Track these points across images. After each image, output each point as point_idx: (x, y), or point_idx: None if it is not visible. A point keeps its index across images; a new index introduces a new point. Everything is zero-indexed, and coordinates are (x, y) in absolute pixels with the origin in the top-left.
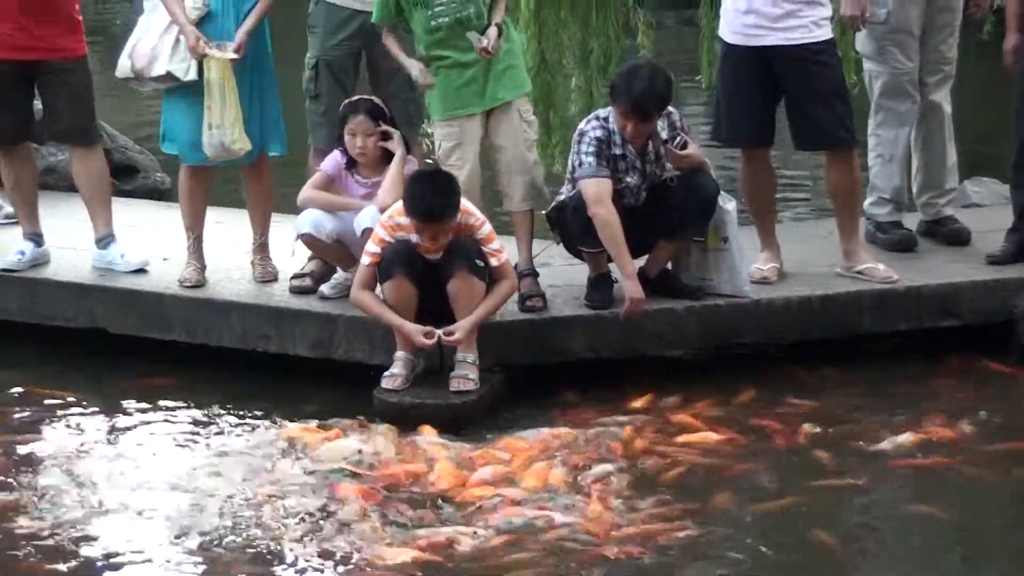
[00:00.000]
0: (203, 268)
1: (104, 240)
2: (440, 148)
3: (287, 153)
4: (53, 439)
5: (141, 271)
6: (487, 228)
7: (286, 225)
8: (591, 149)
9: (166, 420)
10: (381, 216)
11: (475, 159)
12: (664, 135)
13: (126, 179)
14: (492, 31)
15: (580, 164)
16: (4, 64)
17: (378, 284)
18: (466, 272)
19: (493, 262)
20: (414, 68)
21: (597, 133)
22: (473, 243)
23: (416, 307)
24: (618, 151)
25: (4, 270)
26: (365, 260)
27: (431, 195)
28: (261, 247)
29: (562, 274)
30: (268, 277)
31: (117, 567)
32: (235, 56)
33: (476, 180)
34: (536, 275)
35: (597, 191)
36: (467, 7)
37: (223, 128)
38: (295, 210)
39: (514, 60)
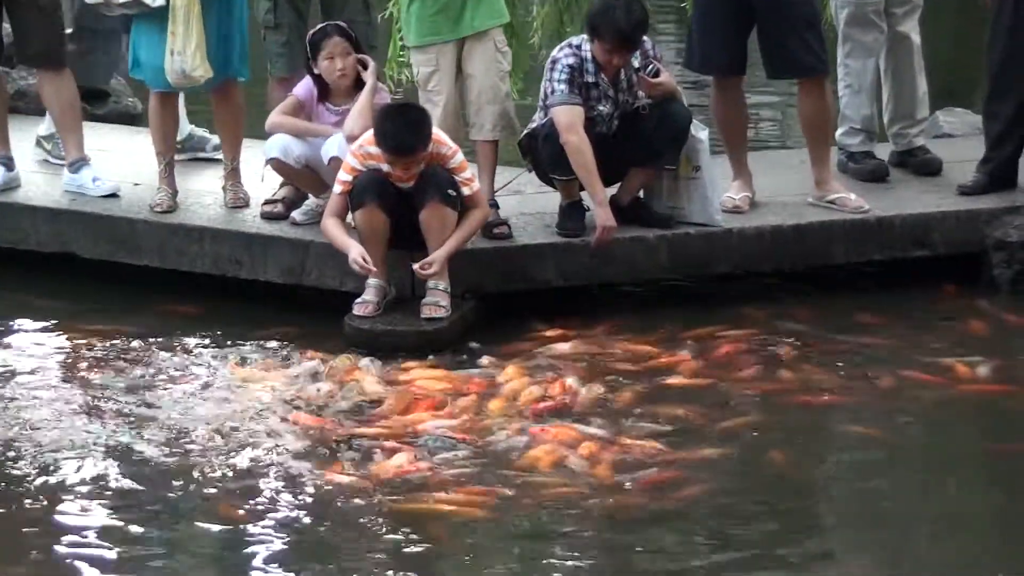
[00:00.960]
0: (175, 193)
1: (76, 164)
2: (418, 74)
3: (248, 79)
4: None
5: (113, 196)
6: (459, 157)
7: (256, 151)
8: (564, 76)
9: (114, 346)
10: (352, 145)
11: (452, 85)
12: (636, 63)
13: (97, 104)
14: None
15: (552, 92)
16: None
17: (349, 213)
18: (438, 202)
19: (465, 191)
20: None
21: (570, 61)
22: (445, 172)
23: (388, 236)
24: (591, 79)
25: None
26: (336, 188)
27: (402, 128)
28: (232, 172)
29: (534, 202)
30: (239, 203)
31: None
32: None
33: (454, 106)
34: (498, 206)
35: (569, 119)
36: None
37: (184, 55)
38: (265, 136)
39: None
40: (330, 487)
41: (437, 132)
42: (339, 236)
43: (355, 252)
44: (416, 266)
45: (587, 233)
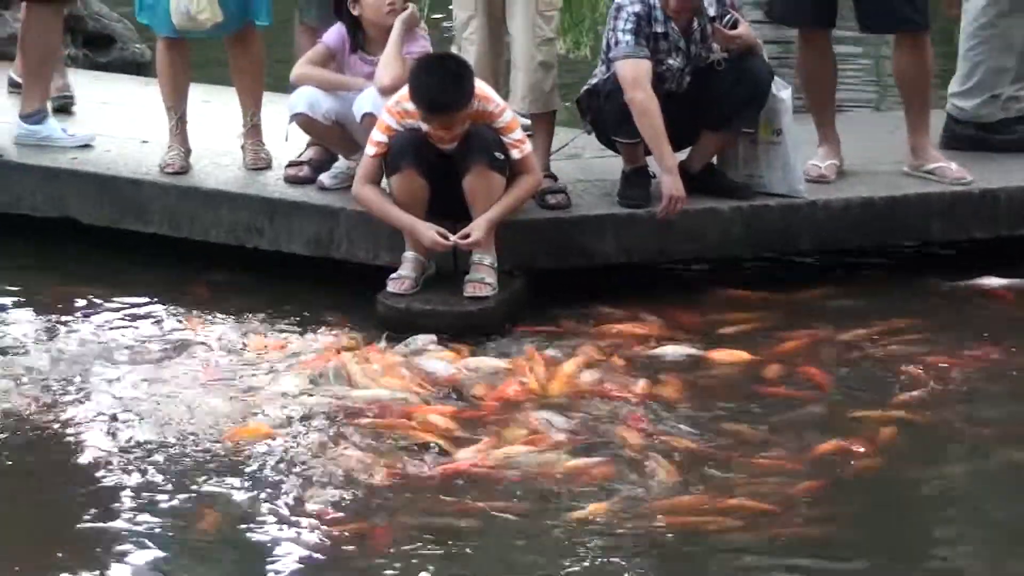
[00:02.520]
0: (187, 152)
1: (39, 114)
2: (456, 18)
3: (270, 24)
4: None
5: (87, 147)
6: (508, 115)
7: (279, 106)
8: (629, 26)
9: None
10: (387, 101)
11: (489, 37)
12: (712, 12)
13: (101, 50)
14: None
15: (616, 43)
16: None
17: (384, 178)
18: (484, 167)
19: (515, 154)
20: None
21: (636, 8)
22: (492, 133)
23: (427, 204)
24: (659, 29)
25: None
26: (370, 151)
27: (439, 82)
28: (253, 129)
29: (593, 167)
30: (260, 163)
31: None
32: None
33: (489, 60)
34: (555, 177)
35: (635, 73)
36: None
37: None
38: (289, 90)
39: None
40: None
41: (483, 87)
42: (385, 206)
43: (423, 229)
44: (455, 237)
45: (652, 203)
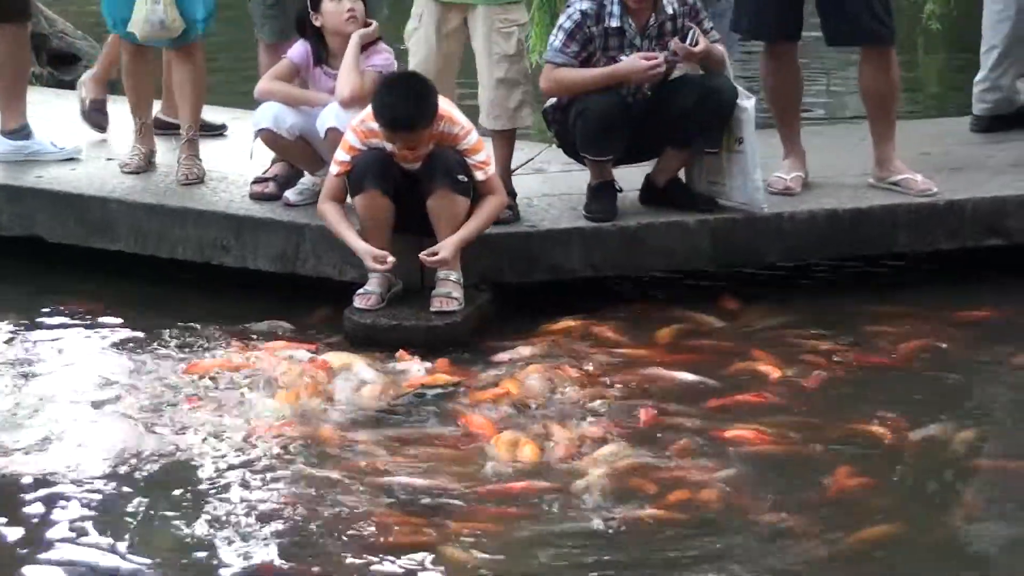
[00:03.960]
0: (150, 154)
1: (23, 130)
2: (407, 28)
3: (206, 32)
4: None
5: (73, 159)
6: (472, 138)
7: (244, 123)
8: (568, 25)
9: (97, 339)
10: (351, 116)
11: (431, 49)
12: (669, 10)
13: (65, 68)
14: None
15: (550, 43)
16: None
17: (349, 197)
18: (447, 189)
19: (479, 175)
20: None
21: (583, 6)
22: (455, 155)
23: (393, 223)
24: (614, 23)
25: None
26: (333, 169)
27: (400, 100)
28: (189, 143)
29: (558, 181)
30: (192, 179)
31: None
32: None
33: (435, 75)
34: (511, 194)
35: (547, 84)
36: None
37: (158, 4)
38: (254, 106)
39: None
40: None
41: (448, 108)
42: (340, 226)
43: (364, 250)
44: (423, 254)
45: (618, 217)
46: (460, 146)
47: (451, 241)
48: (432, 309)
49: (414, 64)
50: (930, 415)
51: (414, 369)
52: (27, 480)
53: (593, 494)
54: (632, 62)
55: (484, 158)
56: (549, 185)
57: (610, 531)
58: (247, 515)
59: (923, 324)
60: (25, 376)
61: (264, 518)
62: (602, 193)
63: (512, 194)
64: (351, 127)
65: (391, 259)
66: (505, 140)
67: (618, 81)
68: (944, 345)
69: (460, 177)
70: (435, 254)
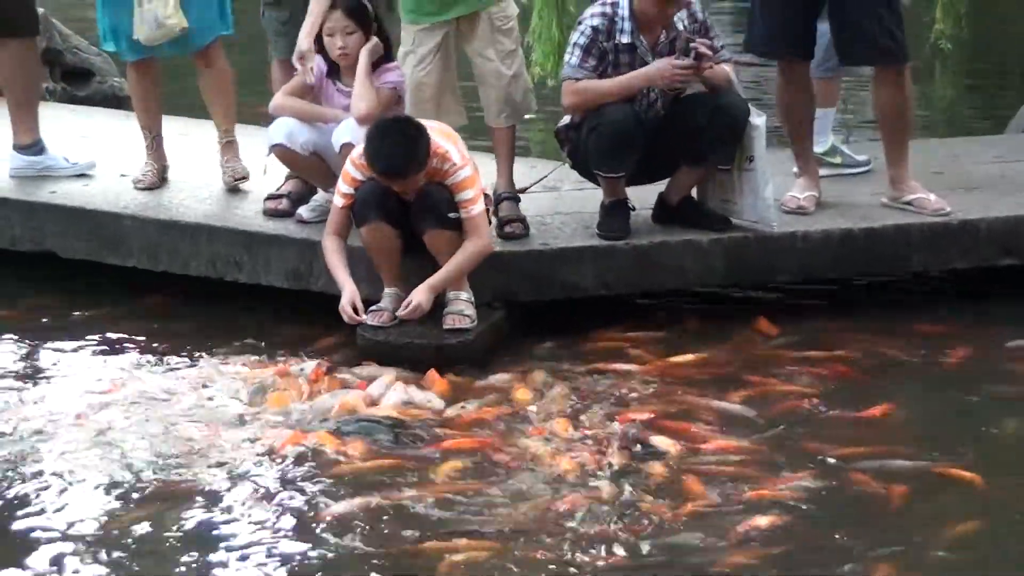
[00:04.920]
0: (163, 169)
1: (36, 145)
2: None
3: (232, 32)
4: None
5: (86, 175)
6: (463, 174)
7: (258, 138)
8: (582, 41)
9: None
10: (353, 152)
11: (426, 69)
12: (681, 25)
13: (79, 84)
14: None
15: (567, 60)
16: None
17: (354, 227)
18: (436, 228)
19: (462, 214)
20: None
21: (595, 22)
22: (444, 193)
23: (401, 248)
24: (625, 39)
25: None
26: (337, 202)
27: (392, 148)
28: (227, 146)
29: (571, 200)
30: (239, 177)
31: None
32: None
33: (432, 93)
34: (517, 199)
35: (570, 100)
36: None
37: (153, 1)
38: (268, 122)
39: None
40: None
41: (439, 143)
42: (335, 267)
43: (345, 297)
44: (401, 311)
45: (631, 236)
46: (448, 181)
47: (424, 287)
48: (445, 327)
49: (413, 86)
50: None
51: (392, 397)
52: (27, 496)
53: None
54: (659, 64)
55: (472, 195)
56: (562, 203)
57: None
58: (253, 536)
59: None
60: (29, 389)
61: (273, 541)
62: (615, 212)
63: (516, 199)
64: (351, 159)
65: (362, 318)
66: (511, 135)
67: (643, 86)
68: None
69: (449, 215)
70: (409, 305)
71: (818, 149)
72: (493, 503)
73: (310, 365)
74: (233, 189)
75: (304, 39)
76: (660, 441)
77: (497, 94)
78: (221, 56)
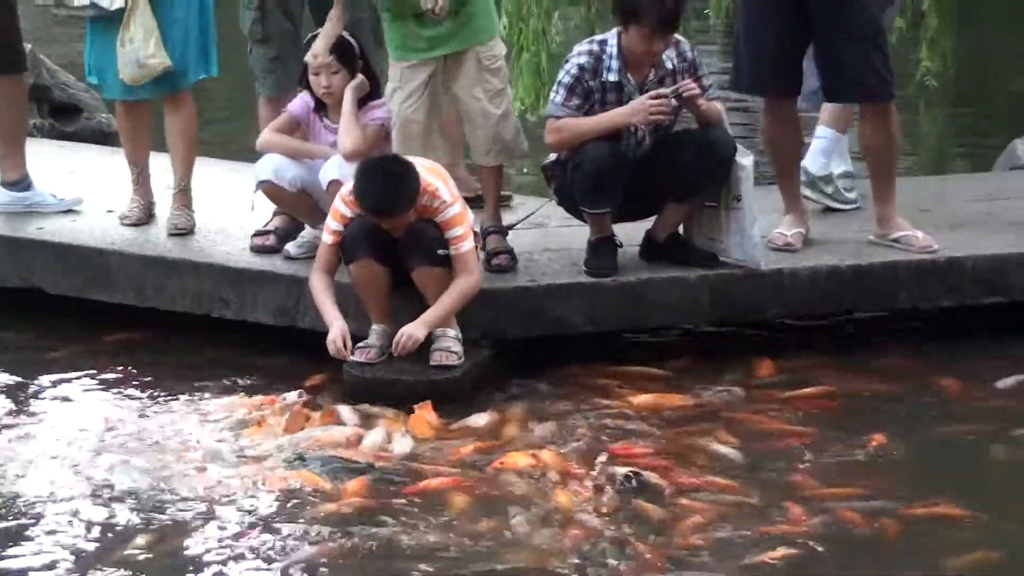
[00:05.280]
0: (149, 205)
1: (24, 182)
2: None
3: (217, 74)
4: None
5: (72, 211)
6: (452, 211)
7: (245, 175)
8: (566, 80)
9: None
10: (342, 188)
11: (413, 106)
12: (670, 64)
13: (67, 120)
14: None
15: (551, 98)
16: None
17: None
18: (425, 265)
19: (452, 251)
20: None
21: (581, 60)
22: (433, 230)
23: (389, 285)
24: (612, 78)
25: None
26: (327, 239)
27: (380, 188)
28: (180, 194)
29: (559, 236)
30: (182, 230)
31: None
32: None
33: (420, 129)
34: (504, 232)
35: (553, 138)
36: None
37: (135, 41)
38: (255, 159)
39: (472, 7)
40: None
41: (429, 180)
42: (323, 303)
43: (334, 331)
44: (396, 350)
45: (619, 272)
46: (438, 218)
47: (418, 323)
48: (432, 363)
49: (400, 122)
50: None
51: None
52: (25, 526)
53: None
54: (636, 102)
55: (461, 232)
56: (549, 240)
57: None
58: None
59: None
60: (15, 426)
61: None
62: (602, 249)
63: (503, 233)
64: (341, 196)
65: (348, 356)
66: (498, 174)
67: (622, 124)
68: None
69: (439, 252)
70: (398, 342)
71: (817, 171)
72: (500, 539)
73: (292, 397)
74: (174, 237)
75: (321, 49)
76: (651, 477)
77: (484, 133)
78: (189, 105)
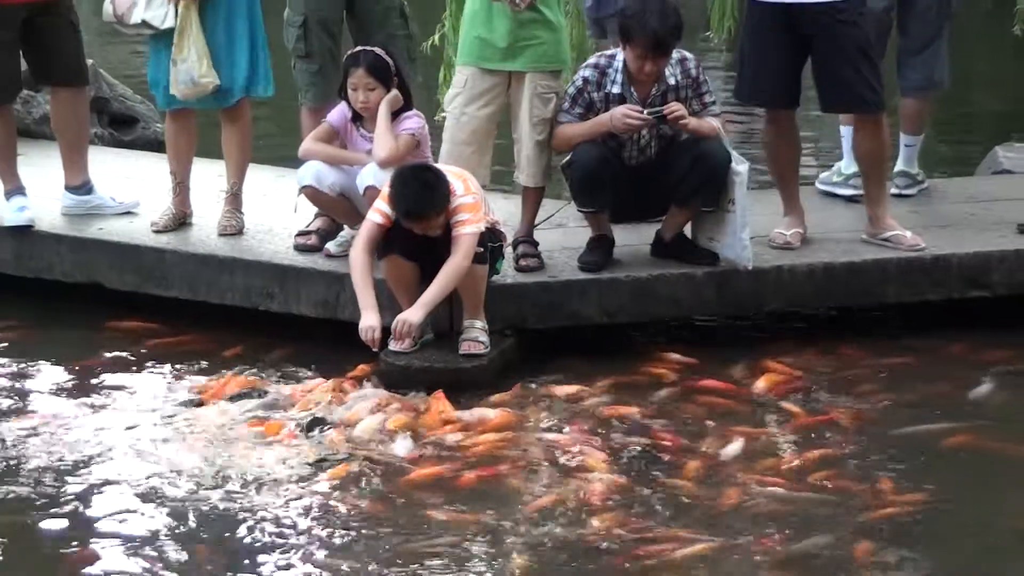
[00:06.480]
0: (182, 215)
1: (86, 185)
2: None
3: (272, 95)
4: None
5: (131, 213)
6: (462, 201)
7: (289, 180)
8: (571, 91)
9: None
10: (387, 174)
11: (472, 113)
12: (672, 80)
13: (125, 129)
14: None
15: (561, 106)
16: (15, 7)
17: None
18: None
19: (455, 230)
20: None
21: (586, 73)
22: None
23: (418, 280)
24: (616, 90)
25: (24, 226)
26: (377, 218)
27: (413, 194)
28: (232, 197)
29: (577, 236)
30: (230, 230)
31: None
32: None
33: (468, 137)
34: (534, 244)
35: (555, 141)
36: None
37: (188, 62)
38: (298, 164)
39: (546, 35)
40: None
41: (455, 184)
42: (361, 289)
43: (367, 320)
44: (393, 332)
45: (610, 268)
46: (450, 207)
47: (415, 308)
48: (461, 352)
49: (453, 128)
50: None
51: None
52: (89, 509)
53: None
54: (615, 110)
55: (466, 218)
56: (569, 239)
57: None
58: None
59: None
60: (87, 411)
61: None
62: (596, 245)
63: (534, 243)
64: (384, 196)
65: (375, 347)
66: (536, 194)
67: (603, 129)
68: None
69: (477, 249)
70: (401, 336)
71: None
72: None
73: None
74: (233, 234)
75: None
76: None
77: (527, 154)
78: (245, 116)
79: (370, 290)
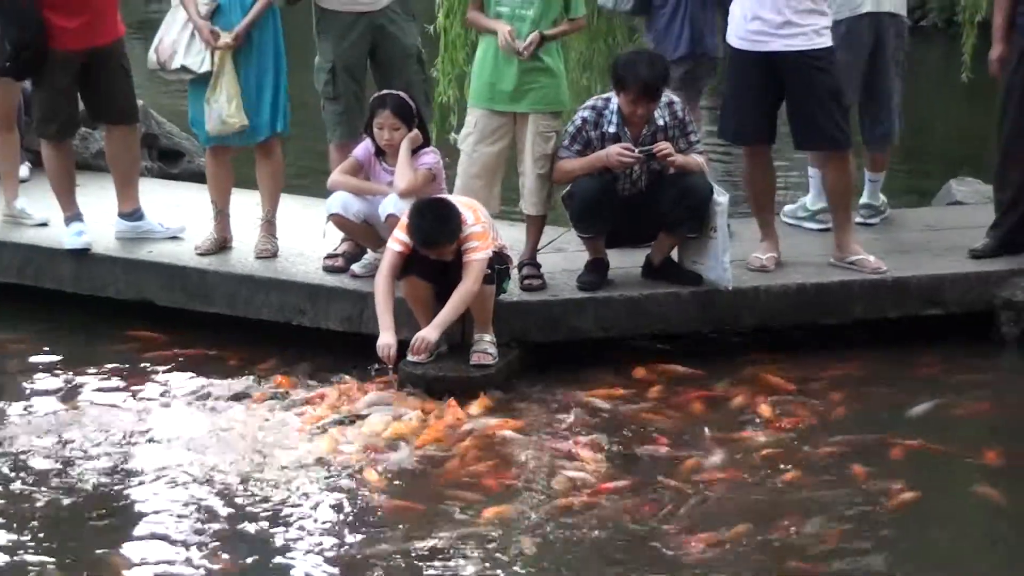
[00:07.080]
0: (223, 240)
1: (137, 212)
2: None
3: (287, 132)
4: (86, 406)
5: (176, 238)
6: (471, 230)
7: (318, 208)
8: (571, 130)
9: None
10: (406, 204)
11: (482, 150)
12: (661, 121)
13: (171, 163)
14: (533, 36)
15: (561, 143)
16: (74, 54)
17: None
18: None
19: (465, 257)
20: (502, 31)
21: (584, 114)
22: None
23: (434, 298)
24: (612, 130)
25: (82, 249)
26: (396, 247)
27: (428, 225)
28: (267, 224)
29: (576, 259)
30: (266, 254)
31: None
32: (230, 42)
33: (479, 171)
34: (537, 266)
35: (556, 175)
36: (528, 7)
37: (219, 102)
38: (327, 195)
39: (547, 80)
40: None
41: (466, 214)
42: (383, 312)
43: (382, 339)
44: (411, 348)
45: (605, 288)
46: (463, 232)
47: (432, 327)
48: (472, 363)
49: (466, 163)
50: None
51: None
52: (128, 503)
53: None
54: (610, 148)
55: (475, 245)
56: (568, 262)
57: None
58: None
59: None
60: (133, 412)
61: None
62: (593, 267)
63: (537, 265)
64: (401, 225)
65: (392, 358)
66: (539, 222)
67: (599, 164)
68: None
69: (486, 271)
70: (417, 351)
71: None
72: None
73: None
74: (268, 257)
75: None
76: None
77: (530, 186)
78: (277, 151)
79: (390, 313)
